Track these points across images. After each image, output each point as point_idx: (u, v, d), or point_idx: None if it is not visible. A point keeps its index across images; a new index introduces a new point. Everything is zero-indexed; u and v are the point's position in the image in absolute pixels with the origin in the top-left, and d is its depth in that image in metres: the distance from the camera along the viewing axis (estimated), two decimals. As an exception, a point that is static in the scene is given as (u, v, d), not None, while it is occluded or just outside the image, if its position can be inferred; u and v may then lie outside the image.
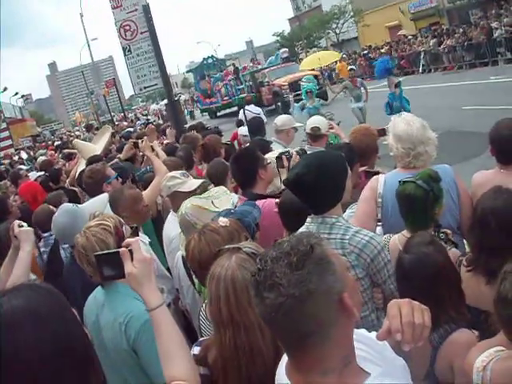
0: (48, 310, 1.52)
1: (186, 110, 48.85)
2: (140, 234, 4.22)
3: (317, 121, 6.19)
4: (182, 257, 3.71)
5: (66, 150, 14.95)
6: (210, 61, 46.16)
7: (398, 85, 14.77)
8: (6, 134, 37.15)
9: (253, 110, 14.56)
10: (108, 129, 10.18)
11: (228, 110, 37.93)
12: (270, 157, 4.85)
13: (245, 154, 4.90)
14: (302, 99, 15.50)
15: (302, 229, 3.11)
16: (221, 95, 40.03)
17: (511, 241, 2.79)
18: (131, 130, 19.81)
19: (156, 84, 11.84)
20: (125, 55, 11.58)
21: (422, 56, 33.47)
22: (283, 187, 4.44)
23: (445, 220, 3.47)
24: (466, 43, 29.96)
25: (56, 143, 29.51)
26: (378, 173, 4.20)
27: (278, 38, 71.06)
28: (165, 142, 10.20)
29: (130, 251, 2.17)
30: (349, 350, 1.61)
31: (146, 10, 11.30)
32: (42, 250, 5.69)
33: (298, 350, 1.59)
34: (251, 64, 44.94)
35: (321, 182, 2.94)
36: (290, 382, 1.65)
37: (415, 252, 2.79)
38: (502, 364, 2.10)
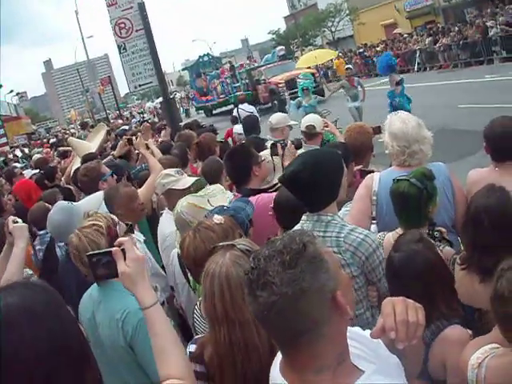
0: (43, 308, 1.51)
1: (181, 108, 48.82)
2: (135, 231, 4.22)
3: (311, 119, 6.19)
4: (178, 254, 3.71)
5: (61, 148, 14.90)
6: (205, 59, 46.00)
7: (400, 82, 14.74)
8: (1, 131, 37.10)
9: (246, 108, 14.55)
10: (103, 127, 10.18)
11: (224, 108, 37.81)
12: (265, 154, 4.86)
13: (239, 150, 4.90)
14: (298, 97, 15.43)
15: (297, 226, 3.11)
16: (217, 93, 39.92)
17: (504, 239, 2.80)
18: (126, 127, 19.76)
19: (151, 82, 11.80)
20: (120, 53, 11.54)
21: (417, 54, 33.50)
22: (276, 181, 4.47)
23: (439, 218, 3.47)
24: (461, 42, 29.99)
25: (51, 141, 29.44)
26: (372, 171, 4.21)
27: (274, 36, 70.99)
28: (160, 139, 10.19)
29: (123, 250, 2.16)
30: (343, 348, 1.61)
31: (142, 7, 11.26)
32: (37, 247, 5.68)
33: (291, 348, 1.59)
34: (248, 62, 44.90)
35: (316, 180, 2.94)
36: (285, 379, 1.65)
37: (405, 250, 2.80)
38: (496, 361, 2.11)
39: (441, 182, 3.41)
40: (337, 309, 1.54)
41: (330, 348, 1.56)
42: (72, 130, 37.51)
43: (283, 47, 45.84)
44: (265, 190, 4.44)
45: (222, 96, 39.12)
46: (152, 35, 11.38)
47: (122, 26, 11.33)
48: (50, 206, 5.22)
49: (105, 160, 7.02)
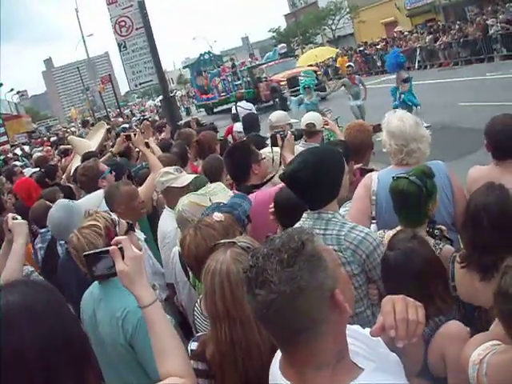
0: (44, 306, 1.51)
1: (182, 107, 48.81)
2: (136, 230, 4.22)
3: (312, 117, 6.18)
4: (179, 252, 3.71)
5: (62, 146, 14.91)
6: (206, 56, 45.89)
7: (408, 80, 14.70)
8: (2, 130, 37.11)
9: (244, 105, 14.50)
10: (103, 125, 10.17)
11: (225, 106, 37.70)
12: (265, 152, 4.86)
13: (239, 147, 4.89)
14: (299, 94, 15.36)
15: (298, 224, 3.11)
16: (218, 91, 39.86)
17: (504, 237, 2.79)
18: (126, 126, 19.78)
19: (151, 80, 11.82)
20: (120, 51, 11.56)
21: (417, 52, 33.45)
22: (272, 175, 4.47)
23: (439, 216, 3.47)
24: (461, 40, 29.95)
25: (52, 139, 29.43)
26: (372, 170, 4.20)
27: (274, 34, 70.95)
28: (160, 137, 10.19)
29: (121, 249, 2.15)
30: (342, 346, 1.61)
31: (142, 5, 11.28)
32: (38, 245, 5.69)
33: (290, 346, 1.59)
34: (249, 59, 44.82)
35: (317, 178, 2.94)
36: (284, 377, 1.65)
37: (400, 248, 2.80)
38: (498, 358, 2.10)
39: (440, 180, 3.40)
40: (335, 307, 1.53)
41: (328, 346, 1.56)
42: (73, 129, 37.50)
43: (284, 45, 45.78)
44: (259, 186, 4.46)
45: (223, 94, 39.04)
46: (152, 33, 11.40)
47: (123, 24, 11.35)
48: (50, 204, 5.22)
49: (104, 157, 7.03)
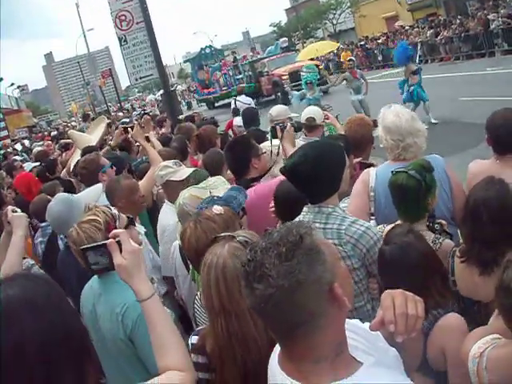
0: (44, 300, 1.51)
1: (182, 101, 48.74)
2: (136, 224, 4.22)
3: (312, 111, 6.17)
4: (179, 246, 3.71)
5: (62, 141, 14.89)
6: (207, 51, 45.80)
7: (417, 72, 14.66)
8: (2, 124, 37.10)
9: (243, 100, 14.48)
10: (103, 119, 10.13)
11: (226, 101, 37.48)
12: (265, 146, 4.85)
13: (239, 141, 4.89)
14: (301, 89, 15.28)
15: (299, 218, 3.11)
16: (219, 85, 39.72)
17: (504, 232, 2.79)
18: (127, 120, 19.73)
19: (152, 74, 11.79)
20: (121, 45, 11.53)
21: (418, 47, 33.35)
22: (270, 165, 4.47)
23: (437, 210, 3.46)
24: (463, 34, 29.90)
25: (52, 134, 29.42)
26: (372, 164, 4.19)
27: (275, 28, 70.87)
28: (160, 132, 10.17)
29: (119, 242, 2.14)
30: (340, 340, 1.61)
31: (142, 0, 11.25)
32: (39, 239, 5.70)
33: (288, 340, 1.59)
34: (251, 53, 44.69)
35: (318, 172, 2.94)
36: (283, 370, 1.65)
37: (396, 242, 2.80)
38: (498, 352, 2.10)
39: (437, 175, 3.37)
40: (334, 301, 1.53)
41: (327, 340, 1.55)
42: (73, 123, 37.45)
43: (286, 39, 45.70)
44: (258, 178, 4.46)
45: (224, 88, 38.88)
46: (152, 27, 11.37)
47: (123, 18, 11.33)
48: (51, 198, 5.22)
49: (102, 150, 7.03)
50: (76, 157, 7.72)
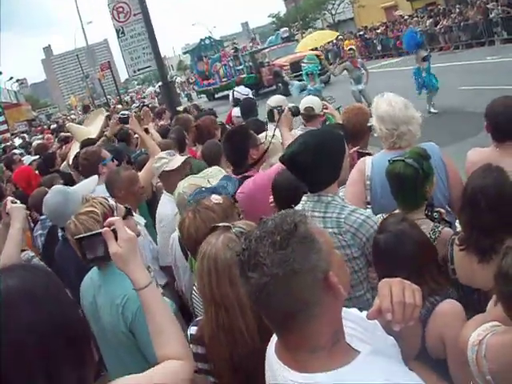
0: (44, 291, 1.50)
1: (182, 93, 48.60)
2: (136, 215, 4.22)
3: (310, 101, 6.15)
4: (179, 237, 3.71)
5: (62, 134, 14.86)
6: (207, 42, 45.53)
7: (426, 58, 14.61)
8: (1, 118, 37.06)
9: (242, 91, 14.41)
10: (102, 112, 10.11)
11: (226, 92, 37.36)
12: (263, 136, 4.84)
13: (238, 131, 4.88)
14: (302, 80, 15.15)
15: (298, 207, 3.10)
16: (219, 76, 39.40)
17: (502, 219, 2.79)
18: (126, 112, 19.68)
19: (150, 66, 11.78)
20: (118, 37, 11.52)
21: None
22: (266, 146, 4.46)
23: (434, 198, 3.47)
24: (462, 23, 29.81)
25: (52, 127, 29.37)
26: (369, 154, 4.19)
27: (274, 19, 70.68)
28: (160, 123, 10.15)
29: (114, 231, 2.12)
30: (337, 328, 1.60)
31: (139, -9, 11.21)
32: (39, 232, 5.71)
33: (284, 329, 1.59)
34: (251, 44, 44.48)
35: (317, 162, 2.94)
36: (280, 360, 1.65)
37: (390, 230, 2.79)
38: (497, 339, 2.10)
39: (433, 163, 3.36)
40: (329, 289, 1.52)
41: (323, 328, 1.55)
42: (73, 116, 37.43)
43: (287, 29, 45.47)
44: (254, 164, 4.47)
45: (224, 79, 38.54)
46: (150, 19, 11.34)
47: (120, 10, 11.30)
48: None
49: (99, 142, 7.01)
50: (74, 149, 7.70)
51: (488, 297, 2.44)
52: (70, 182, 6.58)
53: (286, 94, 15.08)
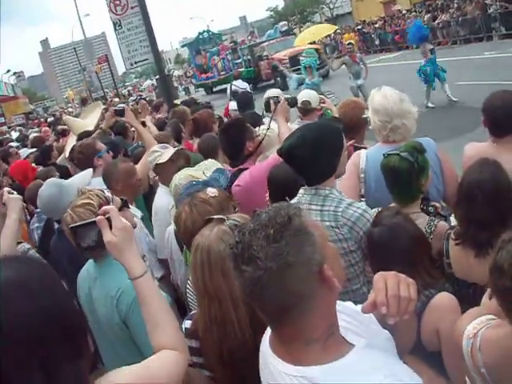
0: (39, 282, 1.49)
1: (179, 86, 48.51)
2: (133, 207, 4.21)
3: (307, 95, 6.14)
4: (174, 231, 3.71)
5: (59, 127, 14.84)
6: (205, 35, 45.34)
7: (432, 51, 14.61)
8: (-1, 111, 36.99)
9: (239, 84, 14.41)
10: (98, 105, 10.09)
11: (224, 86, 37.26)
12: (260, 129, 4.83)
13: (234, 124, 4.87)
14: (301, 74, 15.07)
15: (295, 200, 3.10)
16: (217, 70, 39.30)
17: (498, 214, 2.79)
18: (122, 106, 19.63)
19: (147, 59, 11.73)
20: (115, 30, 11.46)
21: (416, 31, 33.26)
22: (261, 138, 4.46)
23: (429, 192, 3.46)
24: (460, 18, 29.78)
25: (49, 120, 29.31)
26: (365, 148, 4.19)
27: (272, 13, 70.57)
28: (157, 116, 10.13)
29: (109, 219, 2.11)
30: (331, 322, 1.60)
31: (136, -16, 11.16)
32: (35, 225, 5.70)
33: (278, 322, 1.58)
34: (249, 37, 44.35)
35: (315, 155, 2.93)
36: (274, 353, 1.65)
37: (384, 223, 2.80)
38: (492, 332, 2.10)
39: (428, 157, 3.36)
40: (324, 282, 1.52)
41: (317, 321, 1.54)
42: (70, 109, 37.38)
43: (286, 22, 45.36)
44: (249, 155, 4.47)
45: (222, 73, 38.43)
46: (147, 12, 11.28)
47: (118, 2, 11.25)
48: (46, 183, 5.20)
49: (94, 134, 7.00)
50: (71, 142, 7.68)
51: (484, 291, 2.44)
52: (66, 175, 6.56)
53: (284, 88, 15.02)
